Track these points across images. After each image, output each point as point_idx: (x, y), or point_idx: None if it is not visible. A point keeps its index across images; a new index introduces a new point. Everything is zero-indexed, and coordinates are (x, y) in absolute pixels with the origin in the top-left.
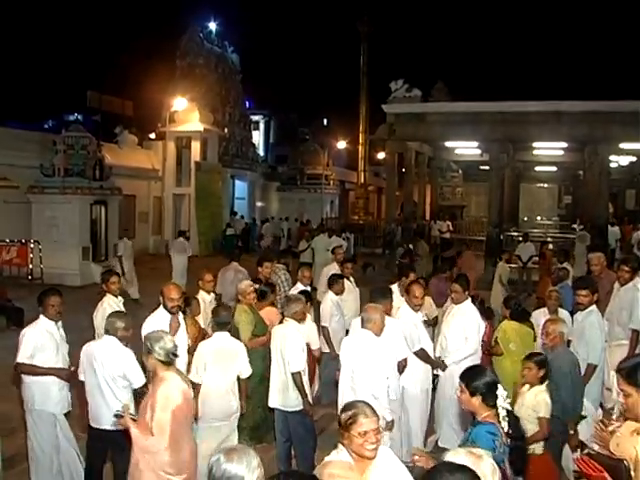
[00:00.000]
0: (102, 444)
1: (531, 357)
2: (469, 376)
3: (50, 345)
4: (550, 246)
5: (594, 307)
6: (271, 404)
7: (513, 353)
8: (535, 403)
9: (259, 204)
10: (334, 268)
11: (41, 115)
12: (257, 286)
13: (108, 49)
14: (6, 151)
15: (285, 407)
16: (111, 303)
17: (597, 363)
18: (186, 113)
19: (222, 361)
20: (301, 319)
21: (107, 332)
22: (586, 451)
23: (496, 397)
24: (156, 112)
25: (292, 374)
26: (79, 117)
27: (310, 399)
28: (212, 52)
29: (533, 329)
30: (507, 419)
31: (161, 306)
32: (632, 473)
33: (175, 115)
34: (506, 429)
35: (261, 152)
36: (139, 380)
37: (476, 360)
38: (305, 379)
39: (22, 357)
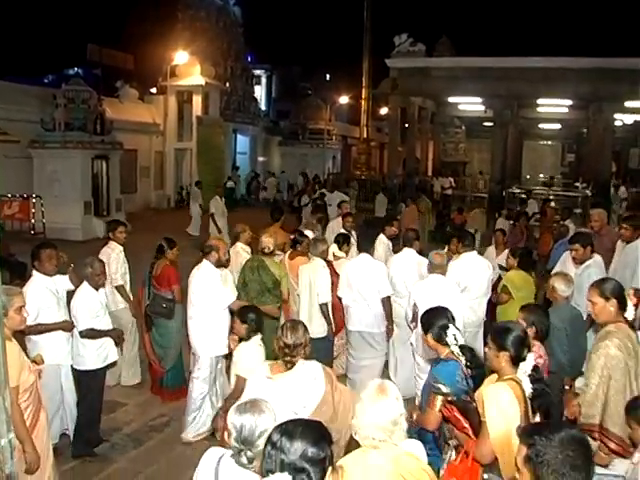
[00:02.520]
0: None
1: (522, 309)
2: (426, 318)
3: (51, 301)
4: (552, 204)
5: (592, 261)
6: None
7: (520, 301)
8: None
9: (261, 159)
10: (338, 223)
11: (41, 70)
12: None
13: (108, 2)
14: (6, 105)
15: (312, 334)
16: (119, 252)
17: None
18: (187, 67)
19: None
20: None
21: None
22: (450, 397)
23: (452, 335)
24: (157, 66)
25: (320, 305)
26: (79, 71)
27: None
28: (213, 5)
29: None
30: (463, 353)
31: (205, 260)
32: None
33: (176, 69)
34: (464, 362)
35: (263, 107)
36: (82, 325)
37: None
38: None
39: (27, 320)
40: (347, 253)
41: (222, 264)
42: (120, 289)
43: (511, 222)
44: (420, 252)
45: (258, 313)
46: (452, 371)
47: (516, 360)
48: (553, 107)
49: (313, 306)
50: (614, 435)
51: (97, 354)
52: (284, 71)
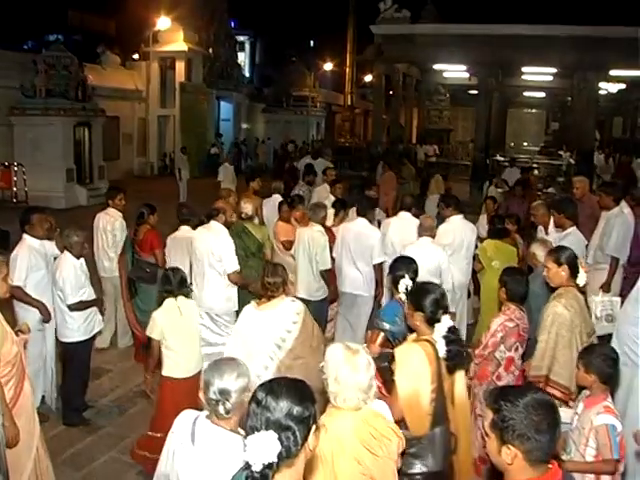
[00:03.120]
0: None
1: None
2: (392, 264)
3: (41, 264)
4: (535, 172)
5: (572, 229)
6: (298, 294)
7: (496, 270)
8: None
9: (244, 126)
10: (325, 190)
11: (21, 35)
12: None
13: None
14: None
15: (310, 297)
16: (121, 220)
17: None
18: (170, 33)
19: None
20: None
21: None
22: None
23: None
24: (139, 32)
25: (320, 272)
26: (60, 37)
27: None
28: None
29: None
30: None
31: (214, 221)
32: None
33: (159, 35)
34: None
35: (247, 73)
36: (71, 299)
37: None
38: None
39: (17, 280)
40: (342, 220)
41: (228, 226)
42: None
43: (500, 190)
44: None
45: None
46: (393, 310)
47: (431, 321)
48: (538, 75)
49: (311, 270)
50: (560, 385)
51: (85, 326)
52: (268, 37)
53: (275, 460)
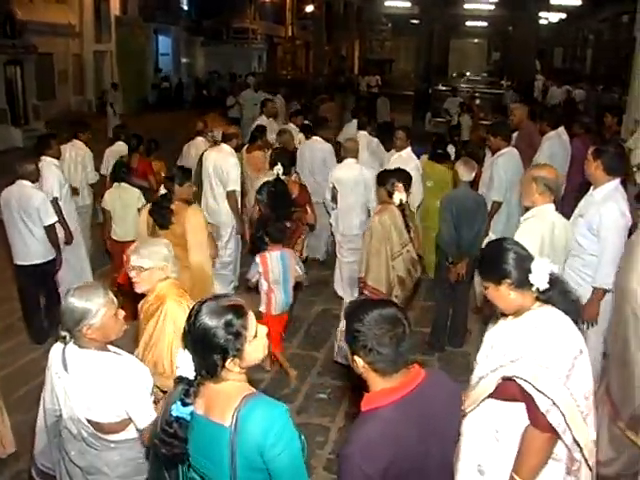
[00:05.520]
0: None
1: None
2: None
3: None
4: (477, 101)
5: (505, 151)
6: None
7: (430, 188)
8: None
9: (184, 60)
10: (264, 122)
11: None
12: None
13: None
14: None
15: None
16: (89, 152)
17: (500, 200)
18: None
19: None
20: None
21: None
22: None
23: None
24: None
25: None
26: None
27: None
28: None
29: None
30: None
31: (224, 145)
32: None
33: None
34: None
35: (185, 5)
36: (49, 220)
37: None
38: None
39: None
40: None
41: (238, 149)
42: (94, 185)
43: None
44: None
45: None
46: None
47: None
48: (479, 4)
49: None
50: (370, 286)
51: None
52: None
53: (192, 378)
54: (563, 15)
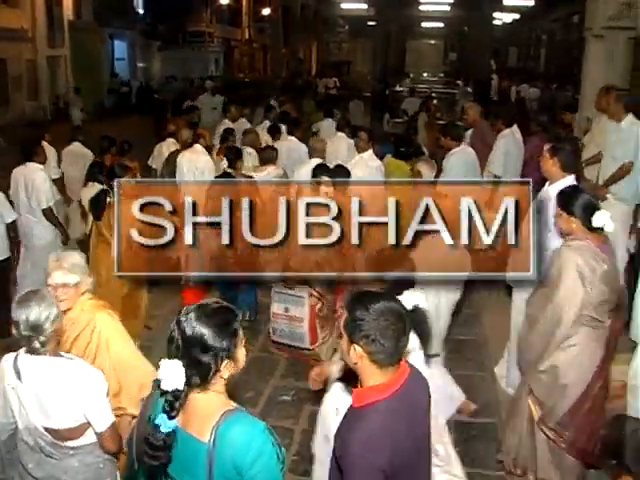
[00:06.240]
0: None
1: None
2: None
3: None
4: (435, 101)
5: (456, 149)
6: None
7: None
8: None
9: (140, 65)
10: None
11: None
12: None
13: None
14: None
15: None
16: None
17: None
18: None
19: None
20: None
21: None
22: None
23: None
24: None
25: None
26: None
27: None
28: None
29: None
30: None
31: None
32: None
33: None
34: None
35: (140, 9)
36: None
37: None
38: None
39: None
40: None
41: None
42: (57, 181)
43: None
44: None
45: None
46: None
47: None
48: (435, 5)
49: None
50: None
51: None
52: None
53: (182, 388)
54: (517, 15)
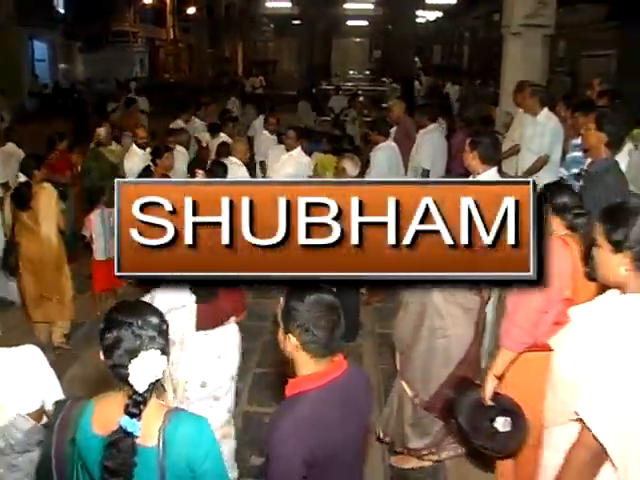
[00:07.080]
0: None
1: None
2: None
3: None
4: (361, 98)
5: (382, 144)
6: None
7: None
8: None
9: (62, 66)
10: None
11: None
12: None
13: None
14: None
15: None
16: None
17: None
18: None
19: None
20: None
21: None
22: None
23: None
24: None
25: None
26: None
27: None
28: None
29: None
30: None
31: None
32: None
33: None
34: None
35: (61, 9)
36: None
37: None
38: None
39: None
40: None
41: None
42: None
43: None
44: None
45: None
46: None
47: None
48: (359, 3)
49: None
50: None
51: None
52: None
53: (161, 375)
54: (440, 13)
